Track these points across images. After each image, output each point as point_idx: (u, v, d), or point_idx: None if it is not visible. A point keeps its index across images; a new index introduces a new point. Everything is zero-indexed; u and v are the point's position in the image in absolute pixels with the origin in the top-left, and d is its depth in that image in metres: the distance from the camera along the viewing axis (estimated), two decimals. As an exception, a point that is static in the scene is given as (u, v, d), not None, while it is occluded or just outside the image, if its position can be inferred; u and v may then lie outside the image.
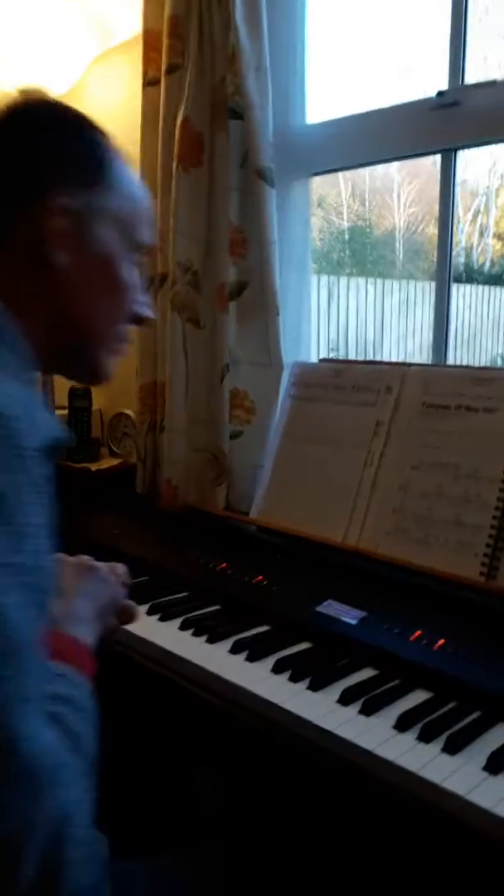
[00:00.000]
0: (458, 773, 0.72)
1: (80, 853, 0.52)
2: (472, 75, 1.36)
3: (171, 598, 1.13)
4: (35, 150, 0.70)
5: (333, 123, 1.55)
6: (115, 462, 1.81)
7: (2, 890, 0.49)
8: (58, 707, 0.61)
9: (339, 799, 0.79)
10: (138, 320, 0.80)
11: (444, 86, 1.36)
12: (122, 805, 0.96)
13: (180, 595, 1.15)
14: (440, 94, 1.35)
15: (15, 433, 0.56)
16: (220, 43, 1.44)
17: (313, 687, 0.87)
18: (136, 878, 0.78)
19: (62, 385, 1.83)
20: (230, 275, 1.48)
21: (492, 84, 1.30)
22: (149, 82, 1.58)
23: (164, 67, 1.52)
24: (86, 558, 0.84)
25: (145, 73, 1.58)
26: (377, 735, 0.78)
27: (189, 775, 1.18)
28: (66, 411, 1.83)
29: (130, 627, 1.03)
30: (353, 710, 0.83)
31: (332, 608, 1.03)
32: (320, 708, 0.83)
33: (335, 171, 1.63)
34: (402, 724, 0.79)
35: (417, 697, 0.85)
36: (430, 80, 1.39)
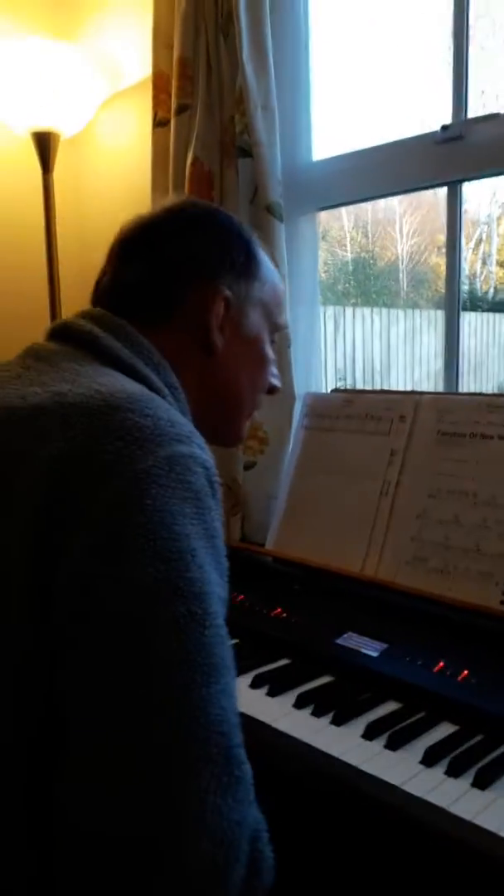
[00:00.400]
0: (490, 809, 0.70)
1: (268, 856, 0.56)
2: (473, 109, 1.39)
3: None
4: (210, 243, 0.80)
5: (340, 159, 1.57)
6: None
7: (219, 888, 0.52)
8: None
9: (367, 837, 0.77)
10: (272, 391, 0.91)
11: (448, 119, 1.39)
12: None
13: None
14: (444, 128, 1.38)
15: (215, 487, 0.62)
16: (228, 83, 1.47)
17: (337, 721, 0.86)
18: None
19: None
20: (241, 308, 1.49)
21: (494, 117, 1.33)
22: (158, 123, 1.61)
23: (173, 108, 1.55)
24: None
25: (155, 115, 1.61)
26: (404, 770, 0.77)
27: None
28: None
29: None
30: (378, 744, 0.81)
31: (352, 640, 1.02)
32: (345, 743, 0.82)
33: (342, 205, 1.66)
34: (430, 759, 0.78)
35: (443, 731, 0.84)
36: (433, 115, 1.42)
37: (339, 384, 4.19)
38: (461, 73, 1.40)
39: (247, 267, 0.82)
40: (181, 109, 1.54)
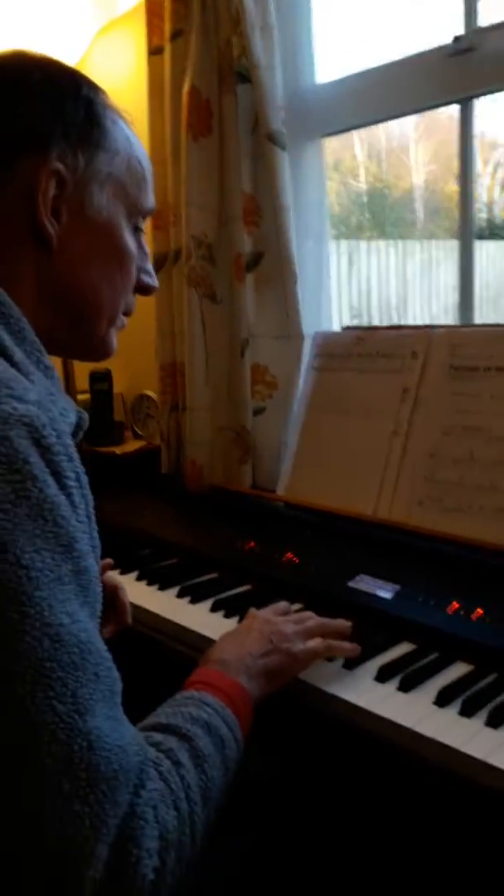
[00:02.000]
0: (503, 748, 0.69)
1: (144, 858, 0.50)
2: (486, 18, 1.29)
3: (200, 579, 1.12)
4: (23, 108, 0.64)
5: (345, 81, 1.48)
6: (139, 444, 1.80)
7: (69, 888, 0.48)
8: (189, 727, 0.62)
9: (379, 779, 0.77)
10: (144, 290, 0.76)
11: (460, 31, 1.29)
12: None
13: (210, 576, 1.13)
14: (456, 39, 1.29)
15: (46, 442, 0.53)
16: (224, 4, 1.38)
17: (349, 665, 0.85)
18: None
19: (82, 369, 1.81)
20: (245, 245, 1.44)
21: (509, 25, 1.23)
22: (153, 50, 1.53)
23: (167, 34, 1.47)
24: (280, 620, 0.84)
25: (149, 42, 1.53)
26: (416, 712, 0.76)
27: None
28: (87, 395, 1.82)
29: (159, 611, 1.03)
30: (390, 686, 0.81)
31: (365, 583, 1.01)
32: (357, 686, 0.81)
33: (349, 129, 1.57)
34: (443, 699, 0.77)
35: (457, 671, 0.83)
36: (444, 28, 1.32)
37: (355, 321, 4.10)
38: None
39: (87, 133, 0.66)
40: (176, 34, 1.46)
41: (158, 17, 1.51)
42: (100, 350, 0.74)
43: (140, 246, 0.74)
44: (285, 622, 0.84)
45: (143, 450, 1.78)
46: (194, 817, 0.57)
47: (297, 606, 1.00)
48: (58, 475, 0.54)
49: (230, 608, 1.01)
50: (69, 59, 1.75)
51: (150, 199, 0.74)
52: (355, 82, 1.46)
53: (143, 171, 0.73)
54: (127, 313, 0.76)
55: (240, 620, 0.97)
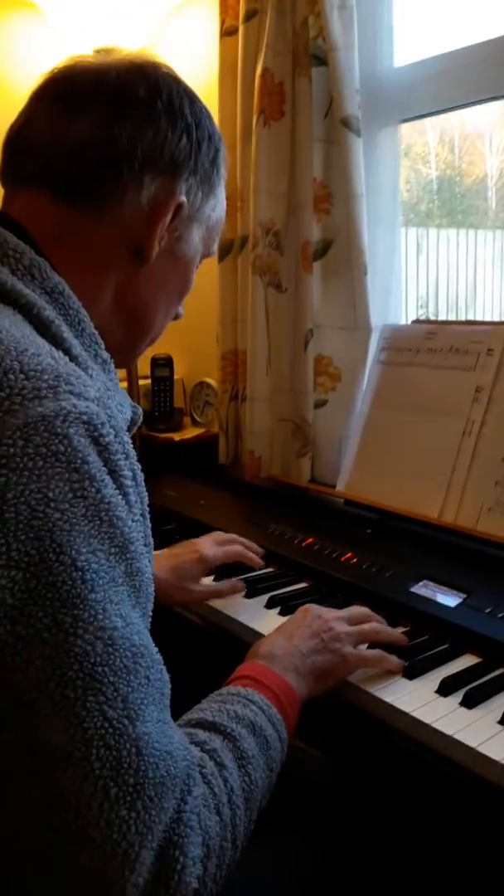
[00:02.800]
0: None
1: (189, 866, 0.50)
2: None
3: (256, 573, 1.09)
4: (169, 134, 0.66)
5: (424, 64, 1.42)
6: (197, 431, 1.79)
7: (113, 894, 0.48)
8: (234, 727, 0.62)
9: (440, 795, 0.74)
10: (175, 318, 0.80)
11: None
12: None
13: (266, 571, 1.11)
14: (547, 18, 1.21)
15: (105, 441, 0.53)
16: (302, -19, 1.34)
17: (409, 675, 0.81)
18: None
19: (144, 354, 1.81)
20: (314, 233, 1.40)
21: None
22: (226, 32, 1.50)
23: (241, 14, 1.44)
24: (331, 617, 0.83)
25: (222, 23, 1.50)
26: (481, 730, 0.72)
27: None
28: (148, 381, 1.82)
29: (216, 604, 1.02)
30: (453, 701, 0.77)
31: (428, 589, 0.97)
32: (418, 698, 0.78)
33: (427, 115, 1.50)
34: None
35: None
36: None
37: (421, 313, 4.00)
38: None
39: (209, 177, 0.70)
40: (250, 15, 1.42)
41: (234, -4, 1.47)
42: (129, 360, 0.78)
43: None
44: (338, 620, 0.82)
45: (201, 437, 1.77)
46: (236, 821, 0.56)
47: (355, 609, 0.97)
48: (115, 474, 0.54)
49: (287, 606, 0.98)
50: (141, 39, 1.74)
51: (216, 246, 0.79)
52: (435, 66, 1.40)
53: (222, 223, 0.77)
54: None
55: (282, 613, 0.95)
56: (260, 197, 1.43)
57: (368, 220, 1.38)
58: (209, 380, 1.79)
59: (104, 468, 0.52)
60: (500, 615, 0.89)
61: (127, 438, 0.57)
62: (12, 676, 0.47)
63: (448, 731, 0.72)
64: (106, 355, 0.65)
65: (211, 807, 0.54)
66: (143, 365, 1.82)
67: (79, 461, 0.50)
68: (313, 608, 0.85)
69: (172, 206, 0.66)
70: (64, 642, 0.47)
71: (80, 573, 0.48)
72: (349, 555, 1.09)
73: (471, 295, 4.36)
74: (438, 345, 1.23)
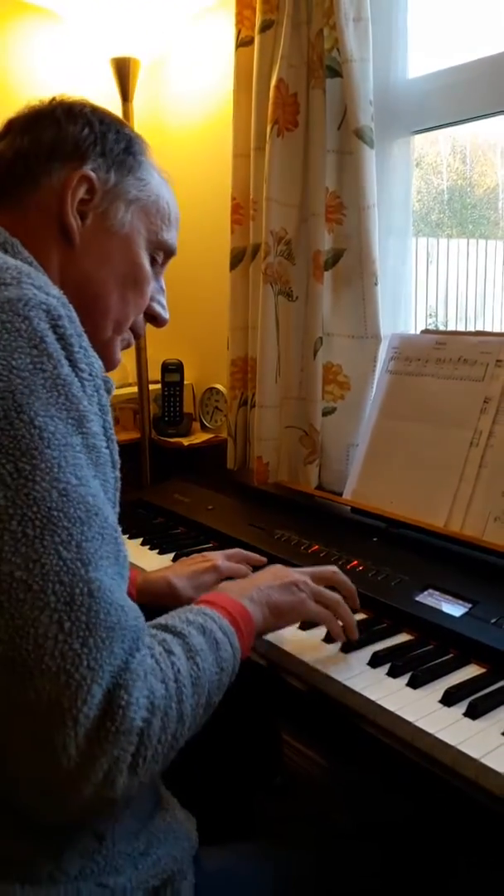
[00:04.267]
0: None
1: (133, 704, 0.55)
2: None
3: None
4: (71, 128, 0.76)
5: (437, 76, 1.43)
6: (206, 437, 1.80)
7: (65, 721, 0.52)
8: (185, 627, 0.67)
9: (443, 805, 0.74)
10: (153, 319, 0.87)
11: None
12: (206, 788, 0.95)
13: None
14: None
15: (62, 331, 0.60)
16: (317, -7, 1.35)
17: (413, 684, 0.82)
18: (221, 865, 0.77)
19: (155, 359, 1.82)
20: (326, 243, 1.41)
21: None
22: (241, 42, 1.51)
23: (257, 25, 1.45)
24: (285, 570, 0.89)
25: (238, 34, 1.52)
26: (485, 742, 0.72)
27: (276, 755, 1.16)
28: (158, 385, 1.83)
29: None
30: (457, 711, 0.77)
31: (434, 598, 0.97)
32: (422, 708, 0.78)
33: (439, 127, 1.51)
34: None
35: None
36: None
37: (430, 322, 3.99)
38: None
39: (122, 160, 0.78)
40: (266, 26, 1.44)
41: (249, 7, 1.49)
42: (103, 352, 0.78)
43: (157, 280, 0.86)
44: (302, 574, 0.87)
45: (210, 442, 1.78)
46: (182, 697, 0.61)
47: (360, 617, 0.98)
48: (71, 362, 0.61)
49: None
50: (154, 53, 1.75)
51: (172, 239, 0.85)
52: (449, 78, 1.41)
53: (170, 213, 0.84)
54: (136, 332, 0.85)
55: (302, 627, 0.95)
56: (272, 206, 1.44)
57: (380, 230, 1.39)
58: (219, 386, 1.80)
59: (62, 351, 0.60)
60: (505, 626, 0.90)
61: (86, 344, 0.64)
62: None
63: (452, 741, 0.72)
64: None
65: (157, 675, 0.59)
66: (154, 370, 1.84)
67: (37, 339, 0.58)
68: (280, 565, 0.90)
69: (76, 178, 0.74)
70: (23, 486, 0.55)
71: (37, 430, 0.56)
72: (355, 562, 1.09)
73: (480, 305, 4.36)
74: (447, 355, 1.23)
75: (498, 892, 0.73)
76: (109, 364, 0.83)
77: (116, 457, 0.68)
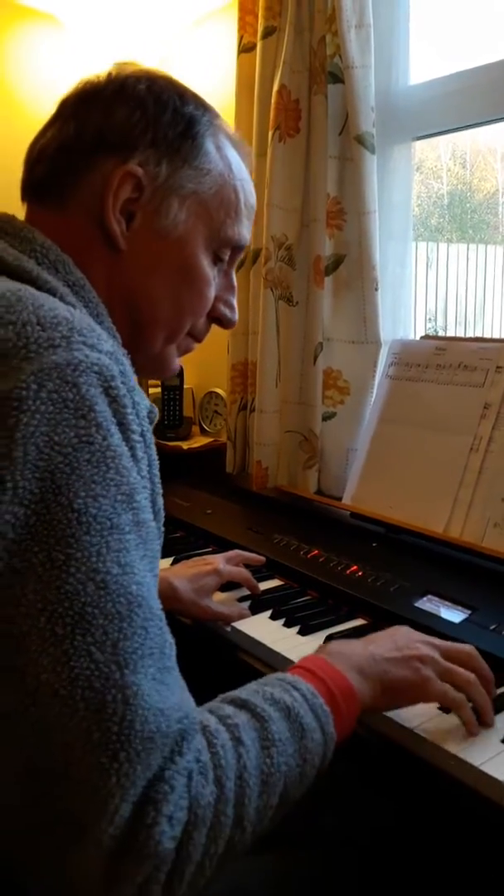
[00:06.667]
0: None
1: (171, 830, 0.49)
2: None
3: (262, 586, 1.10)
4: (119, 113, 0.66)
5: (439, 83, 1.44)
6: (206, 440, 1.80)
7: (88, 840, 0.48)
8: (266, 708, 0.59)
9: (438, 812, 0.74)
10: (220, 321, 0.77)
11: None
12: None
13: (271, 583, 1.12)
14: None
15: (115, 393, 0.54)
16: (320, 1, 1.36)
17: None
18: (254, 878, 0.73)
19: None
20: (326, 248, 1.41)
21: None
22: (244, 48, 1.52)
23: (260, 31, 1.45)
24: (419, 639, 0.77)
25: (240, 39, 1.52)
26: (484, 749, 0.72)
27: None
28: (158, 389, 1.83)
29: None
30: (456, 718, 0.77)
31: (433, 604, 0.98)
32: (420, 713, 0.78)
33: (440, 133, 1.52)
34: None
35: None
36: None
37: (430, 327, 4.00)
38: None
39: (178, 147, 0.67)
40: (268, 32, 1.44)
41: (251, 13, 1.49)
42: (155, 366, 0.75)
43: (226, 277, 0.76)
44: (429, 645, 0.75)
45: (209, 446, 1.78)
46: (244, 800, 0.54)
47: (359, 622, 0.98)
48: (123, 427, 0.55)
49: (291, 618, 0.99)
50: (158, 54, 1.76)
51: (241, 233, 0.74)
52: (450, 84, 1.41)
53: (239, 201, 0.73)
54: (195, 337, 0.77)
55: (301, 632, 0.96)
56: (273, 211, 1.44)
57: (380, 235, 1.40)
58: (219, 390, 1.80)
59: (112, 418, 0.53)
60: (504, 632, 0.90)
61: (139, 399, 0.58)
62: (6, 610, 0.49)
63: (451, 748, 0.72)
64: (124, 349, 0.66)
65: (209, 776, 0.52)
66: (153, 373, 1.84)
67: (86, 408, 0.51)
68: (406, 628, 0.79)
69: (125, 179, 0.65)
70: (56, 578, 0.48)
71: (75, 514, 0.49)
72: (354, 567, 1.09)
73: (479, 309, 4.37)
74: (447, 361, 1.24)
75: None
76: (166, 373, 0.77)
77: (160, 506, 0.63)
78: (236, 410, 1.61)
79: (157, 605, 0.54)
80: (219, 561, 1.05)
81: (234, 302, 0.78)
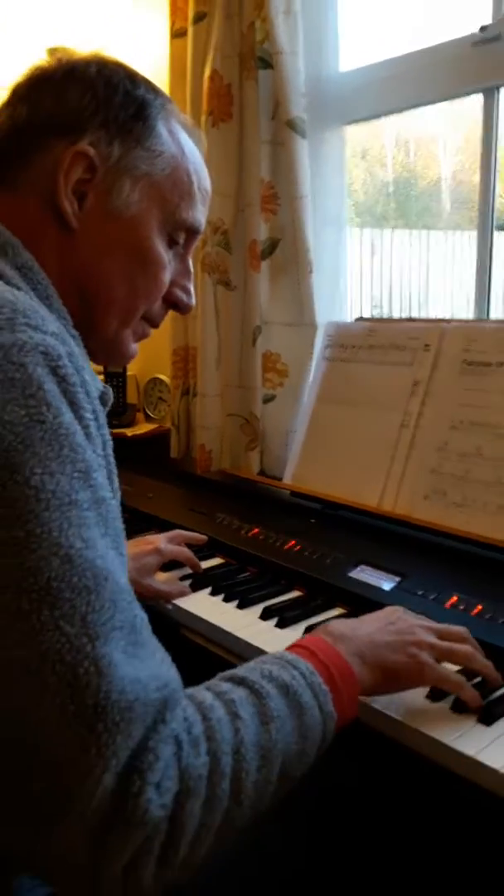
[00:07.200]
0: (494, 745, 0.69)
1: (159, 798, 0.48)
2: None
3: (204, 565, 1.12)
4: (69, 95, 0.67)
5: (368, 69, 1.47)
6: (150, 427, 1.81)
7: (72, 813, 0.47)
8: (265, 684, 0.59)
9: (397, 777, 0.77)
10: (176, 306, 0.77)
11: (488, 20, 1.27)
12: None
13: (212, 561, 1.14)
14: (483, 28, 1.27)
15: (62, 372, 0.54)
16: (248, -14, 1.38)
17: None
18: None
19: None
20: (262, 232, 1.43)
21: (538, 15, 1.21)
22: (175, 33, 1.52)
23: (190, 16, 1.46)
24: (414, 620, 0.77)
25: (172, 24, 1.53)
26: (410, 707, 0.75)
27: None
28: (101, 376, 1.83)
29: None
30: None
31: (366, 573, 1.01)
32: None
33: (371, 118, 1.56)
34: (435, 695, 0.77)
35: (452, 665, 0.83)
36: (471, 18, 1.30)
37: (375, 313, 4.06)
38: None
39: (130, 129, 0.68)
40: (199, 17, 1.45)
41: (183, -1, 1.50)
42: (110, 351, 0.74)
43: (182, 262, 0.75)
44: (425, 629, 0.75)
45: (154, 433, 1.79)
46: (241, 774, 0.53)
47: (296, 594, 1.01)
48: (74, 406, 0.54)
49: (230, 593, 1.01)
50: (91, 41, 1.75)
51: (196, 217, 0.74)
52: (379, 71, 1.45)
53: (192, 184, 0.73)
54: (151, 322, 0.76)
55: (239, 605, 0.98)
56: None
57: (316, 219, 1.43)
58: (162, 376, 1.81)
59: (62, 398, 0.53)
60: (431, 597, 0.94)
61: (88, 378, 0.58)
62: None
63: (379, 706, 0.75)
64: (74, 331, 0.66)
65: (202, 748, 0.51)
66: (97, 361, 1.83)
67: (34, 387, 0.51)
68: (402, 609, 0.79)
69: (70, 158, 0.66)
70: (18, 555, 0.48)
71: (33, 491, 0.49)
72: (292, 542, 1.12)
73: (423, 295, 4.46)
74: (379, 341, 1.27)
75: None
76: (121, 359, 0.76)
77: (117, 486, 0.63)
78: (179, 395, 1.62)
79: (124, 580, 0.54)
80: (160, 540, 1.07)
81: (191, 287, 0.78)
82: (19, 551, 0.48)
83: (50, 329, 0.54)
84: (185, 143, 0.73)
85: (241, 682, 0.59)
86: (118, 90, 0.68)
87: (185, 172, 0.72)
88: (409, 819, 0.85)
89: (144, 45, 1.79)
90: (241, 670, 0.62)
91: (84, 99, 0.67)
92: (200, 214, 0.75)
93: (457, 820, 0.76)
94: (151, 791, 0.47)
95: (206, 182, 0.75)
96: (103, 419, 0.60)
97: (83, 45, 1.67)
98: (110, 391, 0.68)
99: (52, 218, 0.67)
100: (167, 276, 0.73)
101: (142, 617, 0.54)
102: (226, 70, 1.43)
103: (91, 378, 0.60)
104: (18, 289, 0.60)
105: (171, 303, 0.76)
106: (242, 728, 0.55)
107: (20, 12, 1.67)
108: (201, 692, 0.57)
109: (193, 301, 0.78)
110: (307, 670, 0.63)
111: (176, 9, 1.51)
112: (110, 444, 0.62)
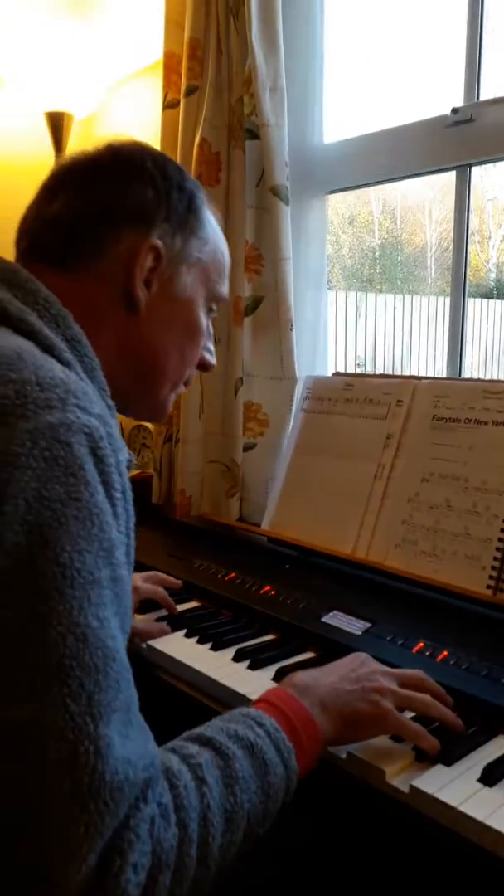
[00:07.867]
0: (451, 784, 0.71)
1: (136, 877, 0.50)
2: (488, 91, 1.37)
3: (180, 608, 1.14)
4: (136, 189, 0.74)
5: (349, 142, 1.57)
6: (133, 473, 1.84)
7: (56, 887, 0.48)
8: (230, 745, 0.61)
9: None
10: (203, 366, 0.85)
11: (460, 102, 1.37)
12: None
13: (188, 605, 1.16)
14: (454, 110, 1.37)
15: (101, 453, 0.57)
16: (238, 64, 1.47)
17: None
18: None
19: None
20: (246, 290, 1.50)
21: (505, 100, 1.31)
22: (168, 105, 1.62)
23: (182, 89, 1.56)
24: (380, 670, 0.79)
25: (165, 96, 1.62)
26: (379, 749, 0.76)
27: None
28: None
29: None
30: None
31: (337, 618, 1.03)
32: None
33: (352, 188, 1.65)
34: (399, 738, 0.78)
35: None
36: (447, 97, 1.40)
37: (359, 370, 4.16)
38: (474, 55, 1.38)
39: (185, 221, 0.76)
40: (190, 91, 1.55)
41: (175, 73, 1.60)
42: (156, 410, 0.82)
43: (208, 327, 0.84)
44: (387, 676, 0.77)
45: (136, 478, 1.82)
46: (208, 839, 0.55)
47: (269, 637, 1.03)
48: (107, 485, 0.57)
49: (204, 636, 1.03)
50: (87, 109, 1.85)
51: (226, 289, 0.85)
52: (359, 144, 1.55)
53: (224, 263, 0.83)
54: (186, 384, 0.85)
55: (213, 648, 1.00)
56: (196, 254, 1.52)
57: (298, 280, 1.50)
58: (146, 424, 1.85)
59: (98, 477, 0.56)
60: (399, 642, 0.96)
61: (122, 458, 0.61)
62: None
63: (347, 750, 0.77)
64: (111, 402, 0.71)
65: (171, 819, 0.54)
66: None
67: (76, 467, 0.54)
68: (364, 656, 0.82)
69: (145, 250, 0.73)
70: (36, 630, 0.50)
71: (61, 569, 0.51)
72: (267, 587, 1.15)
73: (406, 355, 4.59)
74: (355, 395, 1.33)
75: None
76: (160, 417, 0.84)
77: (133, 558, 0.66)
78: (162, 442, 1.66)
79: (126, 659, 0.56)
80: (137, 579, 1.09)
81: (213, 347, 0.86)
82: (39, 626, 0.50)
83: (96, 411, 0.58)
84: (217, 227, 0.83)
85: (207, 742, 0.62)
86: (174, 184, 0.76)
87: (221, 253, 0.82)
88: (367, 855, 0.85)
89: (139, 115, 1.89)
90: (207, 730, 0.64)
91: (147, 192, 0.74)
92: (227, 286, 0.86)
93: (419, 857, 0.76)
94: (129, 871, 0.50)
95: (229, 257, 0.85)
96: (130, 495, 0.64)
97: (81, 113, 1.76)
98: (134, 458, 0.73)
99: (119, 301, 0.73)
100: (204, 343, 0.83)
101: (135, 697, 0.56)
102: (214, 139, 1.52)
103: (122, 454, 0.64)
104: (67, 362, 0.64)
105: (201, 364, 0.85)
106: (208, 794, 0.57)
107: (22, 77, 1.77)
108: (168, 756, 0.59)
109: (215, 360, 0.87)
110: (272, 727, 0.65)
111: (170, 82, 1.61)
112: (133, 517, 0.65)
